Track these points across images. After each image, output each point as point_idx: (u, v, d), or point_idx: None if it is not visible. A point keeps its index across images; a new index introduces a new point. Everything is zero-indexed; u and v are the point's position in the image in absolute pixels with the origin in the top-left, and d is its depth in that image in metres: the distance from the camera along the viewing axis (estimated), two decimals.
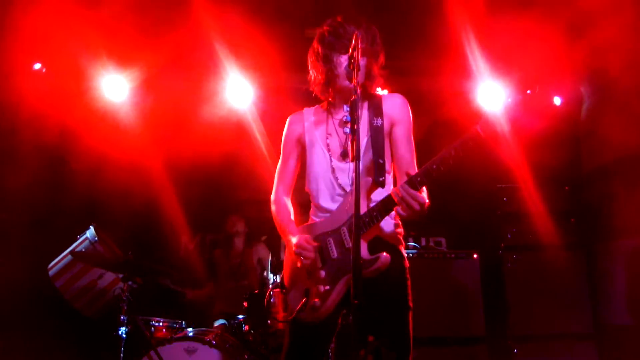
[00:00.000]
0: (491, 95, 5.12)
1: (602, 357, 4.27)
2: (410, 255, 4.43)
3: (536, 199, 4.67)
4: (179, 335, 3.54)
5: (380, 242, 2.24)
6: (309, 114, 2.47)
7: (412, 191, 2.03)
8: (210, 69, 5.03)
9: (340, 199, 2.28)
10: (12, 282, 4.07)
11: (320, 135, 2.38)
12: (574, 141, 5.02)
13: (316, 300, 2.17)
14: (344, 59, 2.24)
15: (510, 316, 4.37)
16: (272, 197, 2.49)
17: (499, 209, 4.78)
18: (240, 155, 5.41)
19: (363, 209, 2.11)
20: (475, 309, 4.33)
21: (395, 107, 2.32)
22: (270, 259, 4.72)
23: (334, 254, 2.19)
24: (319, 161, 2.36)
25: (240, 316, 3.84)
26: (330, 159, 2.32)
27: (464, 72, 4.86)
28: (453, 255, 4.53)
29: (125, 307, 3.29)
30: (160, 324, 3.68)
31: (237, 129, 5.25)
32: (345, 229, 2.17)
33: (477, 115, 5.00)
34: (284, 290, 2.36)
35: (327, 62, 2.30)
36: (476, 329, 4.29)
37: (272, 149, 5.28)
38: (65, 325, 4.31)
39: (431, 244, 5.18)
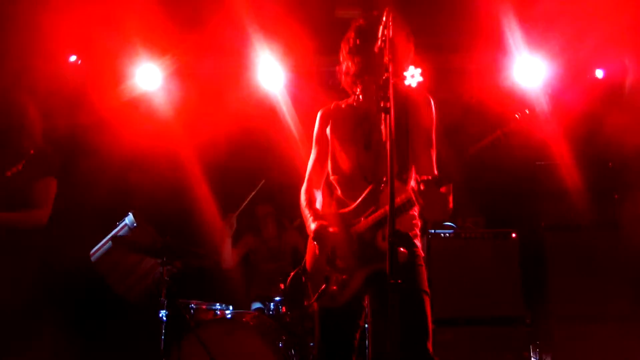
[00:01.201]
0: (528, 70, 4.96)
1: None
2: (447, 235, 4.39)
3: (577, 176, 4.52)
4: (217, 317, 3.61)
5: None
6: (338, 108, 2.49)
7: (436, 189, 2.02)
8: (243, 54, 5.03)
9: (363, 190, 2.28)
10: (53, 270, 4.20)
11: (346, 128, 2.39)
12: (618, 116, 4.82)
13: (334, 288, 2.20)
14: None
15: (551, 296, 4.27)
16: (302, 188, 2.51)
17: (538, 187, 4.67)
18: (273, 140, 5.42)
19: (384, 204, 2.12)
20: (515, 289, 4.25)
21: (417, 105, 2.30)
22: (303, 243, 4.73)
23: (355, 244, 2.20)
24: (343, 153, 2.37)
25: (277, 298, 3.87)
26: (355, 151, 2.32)
27: (498, 47, 4.72)
28: (491, 235, 4.45)
29: (165, 291, 3.37)
30: (200, 306, 3.75)
31: (269, 113, 5.25)
32: (369, 220, 2.18)
33: (510, 98, 4.92)
34: (305, 275, 2.40)
35: (361, 52, 2.30)
36: (516, 310, 4.21)
37: (304, 133, 5.27)
38: (106, 309, 4.45)
39: (468, 224, 5.09)
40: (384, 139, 2.17)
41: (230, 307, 3.89)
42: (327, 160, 2.47)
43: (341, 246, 2.24)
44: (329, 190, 2.52)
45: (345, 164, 2.36)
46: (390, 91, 1.93)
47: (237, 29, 4.62)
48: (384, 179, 2.21)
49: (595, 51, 4.76)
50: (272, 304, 3.85)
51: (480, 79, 5.26)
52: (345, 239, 2.23)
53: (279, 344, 3.44)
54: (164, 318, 3.35)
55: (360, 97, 2.39)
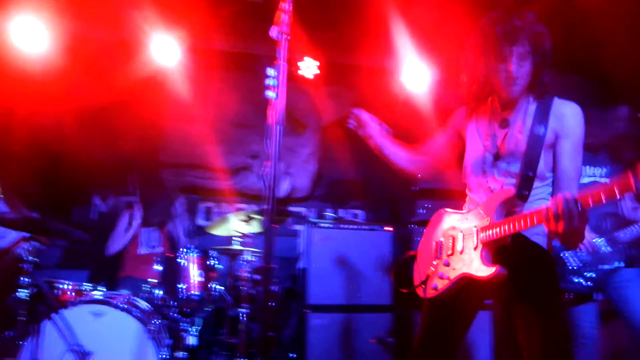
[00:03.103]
0: (416, 74, 5.25)
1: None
2: (327, 225, 4.53)
3: (451, 176, 4.88)
4: (86, 298, 3.45)
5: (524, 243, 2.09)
6: (476, 110, 2.32)
7: (580, 210, 1.76)
8: (135, 24, 4.80)
9: (487, 195, 2.20)
10: None
11: (481, 135, 2.27)
12: None
13: (434, 284, 2.22)
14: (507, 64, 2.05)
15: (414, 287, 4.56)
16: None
17: (415, 185, 4.97)
18: (164, 117, 5.26)
19: (500, 217, 2.06)
20: (385, 280, 4.51)
21: (564, 117, 2.09)
22: (185, 225, 4.65)
23: (461, 248, 2.17)
24: (475, 159, 2.28)
25: (153, 280, 3.78)
26: (485, 159, 2.23)
27: (389, 48, 4.94)
28: (367, 228, 4.66)
29: (29, 268, 3.16)
30: (67, 286, 3.55)
31: (161, 88, 5.07)
32: (475, 230, 2.12)
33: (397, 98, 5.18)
34: (413, 259, 2.43)
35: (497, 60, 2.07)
36: (384, 298, 4.48)
37: (197, 112, 5.17)
38: None
39: (350, 216, 5.32)
40: (514, 148, 2.13)
41: (102, 288, 3.74)
42: (444, 145, 2.47)
43: (452, 246, 2.22)
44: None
45: (475, 172, 2.27)
46: (282, 76, 1.96)
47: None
48: (521, 193, 2.11)
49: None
50: (146, 286, 3.75)
51: (372, 78, 5.49)
52: (455, 241, 2.21)
53: (150, 327, 3.38)
54: (25, 298, 3.14)
55: (497, 105, 2.23)
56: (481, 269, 2.03)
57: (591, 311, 3.03)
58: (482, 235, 2.07)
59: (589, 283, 2.92)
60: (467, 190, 2.36)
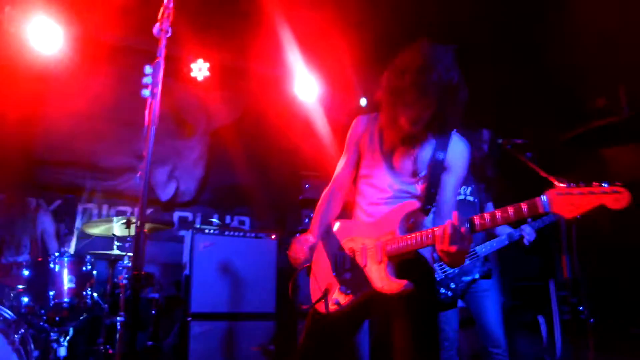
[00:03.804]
0: (305, 84, 5.40)
1: None
2: (211, 231, 4.49)
3: None
4: None
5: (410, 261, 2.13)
6: (375, 120, 2.34)
7: (468, 234, 1.90)
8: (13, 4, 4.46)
9: (385, 208, 2.21)
10: None
11: (381, 146, 2.28)
12: None
13: (335, 299, 2.16)
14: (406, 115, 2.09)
15: (298, 296, 4.68)
16: (325, 190, 2.45)
17: (301, 194, 5.09)
18: (39, 113, 4.90)
19: (403, 230, 2.08)
20: (269, 288, 4.56)
21: (456, 153, 2.22)
22: (56, 229, 4.35)
23: (363, 262, 2.13)
24: (373, 169, 2.28)
25: (20, 286, 3.51)
26: (384, 171, 2.25)
27: (281, 57, 5.05)
28: (253, 235, 4.67)
29: None
30: None
31: (39, 78, 4.73)
32: (379, 244, 2.10)
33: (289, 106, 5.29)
34: (308, 273, 2.37)
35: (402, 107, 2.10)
36: (268, 306, 4.52)
37: (81, 106, 4.88)
38: None
39: (236, 223, 5.32)
40: (416, 167, 2.20)
41: None
42: (355, 169, 2.39)
43: (352, 261, 2.17)
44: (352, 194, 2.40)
45: (372, 181, 2.29)
46: (159, 74, 1.92)
47: None
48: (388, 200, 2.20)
49: (363, 81, 5.43)
50: (12, 292, 3.48)
51: (264, 85, 5.56)
52: (358, 255, 2.16)
53: (14, 338, 3.14)
54: None
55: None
56: (388, 284, 2.03)
57: (453, 317, 3.32)
58: (388, 248, 2.07)
59: (449, 293, 3.20)
60: (358, 197, 2.34)
